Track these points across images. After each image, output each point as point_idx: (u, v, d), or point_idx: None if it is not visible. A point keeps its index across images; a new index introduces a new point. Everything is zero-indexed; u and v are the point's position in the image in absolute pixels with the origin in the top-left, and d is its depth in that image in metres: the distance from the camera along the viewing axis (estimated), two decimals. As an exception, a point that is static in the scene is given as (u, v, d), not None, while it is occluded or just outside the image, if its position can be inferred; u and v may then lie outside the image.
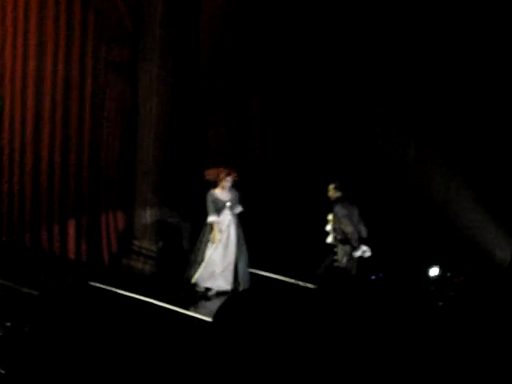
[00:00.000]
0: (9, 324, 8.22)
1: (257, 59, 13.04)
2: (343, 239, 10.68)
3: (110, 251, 12.74)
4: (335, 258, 10.83)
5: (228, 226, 11.40)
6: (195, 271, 11.38)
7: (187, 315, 10.42)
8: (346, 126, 12.87)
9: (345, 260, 10.74)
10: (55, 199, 12.32)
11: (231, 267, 11.39)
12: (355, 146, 12.85)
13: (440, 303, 10.11)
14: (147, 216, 12.56)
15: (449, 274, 11.12)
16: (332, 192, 10.85)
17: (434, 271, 11.02)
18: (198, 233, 11.57)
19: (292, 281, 11.55)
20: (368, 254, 10.77)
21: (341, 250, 10.76)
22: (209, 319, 9.45)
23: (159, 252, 12.50)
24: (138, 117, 12.44)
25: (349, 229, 10.60)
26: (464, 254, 11.76)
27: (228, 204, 11.37)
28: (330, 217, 10.87)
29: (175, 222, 12.65)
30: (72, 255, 12.42)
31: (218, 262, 11.35)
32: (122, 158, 12.70)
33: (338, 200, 10.79)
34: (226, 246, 11.37)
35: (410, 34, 12.29)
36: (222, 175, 11.32)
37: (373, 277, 11.26)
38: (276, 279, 12.00)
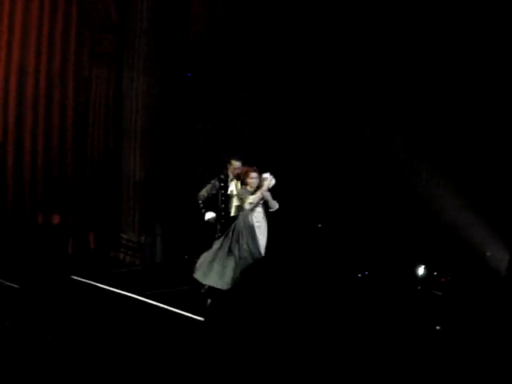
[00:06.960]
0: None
1: (246, 51, 12.94)
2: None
3: (97, 244, 12.69)
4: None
5: None
6: None
7: (172, 311, 10.35)
8: (333, 120, 12.83)
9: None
10: (38, 195, 12.22)
11: None
12: (341, 142, 12.84)
13: (427, 302, 10.11)
14: (135, 210, 12.48)
15: (435, 274, 11.12)
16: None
17: (420, 270, 10.99)
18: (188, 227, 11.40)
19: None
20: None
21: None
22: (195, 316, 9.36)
23: (146, 246, 12.42)
24: (123, 110, 12.33)
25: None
26: (451, 254, 11.74)
27: None
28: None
29: (164, 216, 12.57)
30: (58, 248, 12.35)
31: None
32: (108, 153, 12.62)
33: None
34: None
35: (387, 29, 12.27)
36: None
37: (359, 275, 11.26)
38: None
